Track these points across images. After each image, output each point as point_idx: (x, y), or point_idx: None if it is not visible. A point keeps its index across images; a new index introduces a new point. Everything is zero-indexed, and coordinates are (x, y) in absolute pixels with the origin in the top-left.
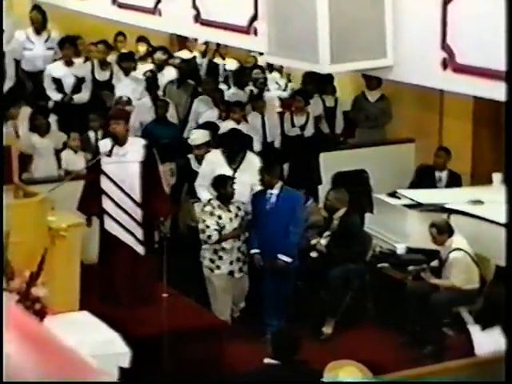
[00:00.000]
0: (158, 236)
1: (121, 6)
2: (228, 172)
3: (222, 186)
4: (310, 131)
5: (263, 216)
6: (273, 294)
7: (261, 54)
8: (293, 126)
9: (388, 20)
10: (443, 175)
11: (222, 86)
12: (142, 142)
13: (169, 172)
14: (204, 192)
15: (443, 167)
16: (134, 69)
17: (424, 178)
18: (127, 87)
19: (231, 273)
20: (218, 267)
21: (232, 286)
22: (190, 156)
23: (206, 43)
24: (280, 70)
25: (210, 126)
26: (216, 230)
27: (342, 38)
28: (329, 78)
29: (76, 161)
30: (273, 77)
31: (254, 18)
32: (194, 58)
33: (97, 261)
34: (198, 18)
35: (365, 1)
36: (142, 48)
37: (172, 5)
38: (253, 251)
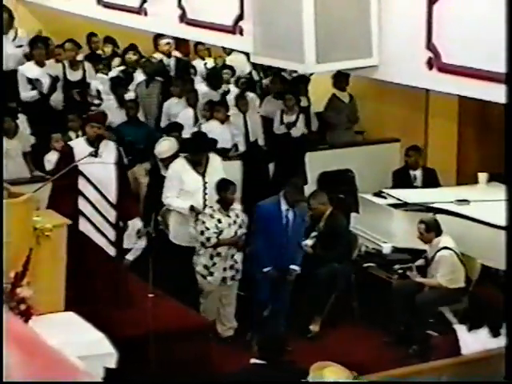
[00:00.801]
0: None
1: (106, 5)
2: (196, 177)
3: (224, 190)
4: (299, 130)
5: (278, 230)
6: (286, 302)
7: (246, 53)
8: (281, 123)
9: (374, 20)
10: (418, 173)
11: (200, 86)
12: (113, 143)
13: (143, 172)
14: (176, 201)
15: (416, 166)
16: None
17: (401, 180)
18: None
19: (224, 279)
20: (211, 274)
21: (222, 292)
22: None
23: (169, 43)
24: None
25: (176, 127)
26: (215, 232)
27: (328, 38)
28: (304, 78)
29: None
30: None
31: (240, 17)
32: (162, 59)
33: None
34: (183, 18)
35: (350, 1)
36: (108, 49)
37: (157, 4)
38: (266, 269)
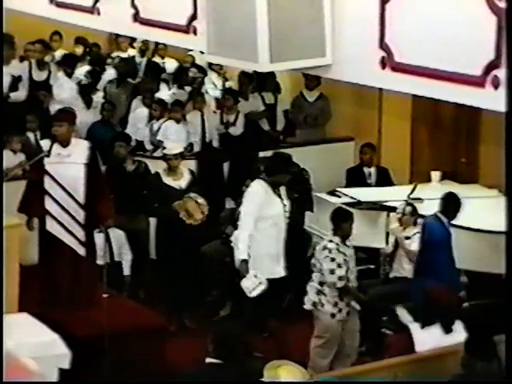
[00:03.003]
0: None
1: (58, 4)
2: (278, 201)
3: (344, 221)
4: (238, 130)
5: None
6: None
7: (202, 52)
8: (221, 123)
9: (327, 19)
10: (372, 171)
11: (162, 86)
12: (86, 143)
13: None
14: (243, 242)
15: (371, 163)
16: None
17: (354, 177)
18: (67, 88)
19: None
20: (340, 310)
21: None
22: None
23: (144, 42)
24: (218, 70)
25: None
26: (346, 270)
27: (281, 37)
28: (269, 74)
29: (16, 162)
30: (209, 77)
31: (194, 17)
32: (134, 57)
33: (36, 262)
34: (136, 17)
35: (304, 0)
36: (79, 49)
37: (110, 4)
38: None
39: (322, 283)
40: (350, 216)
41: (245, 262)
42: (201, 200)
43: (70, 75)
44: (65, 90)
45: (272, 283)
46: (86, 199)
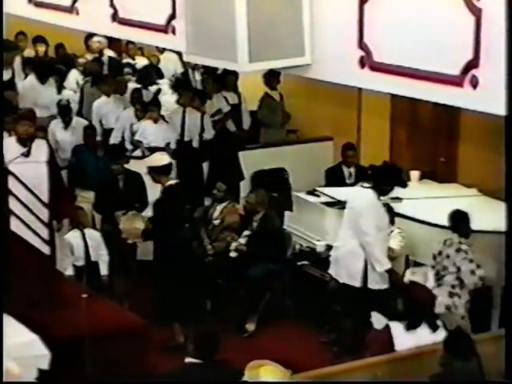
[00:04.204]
0: None
1: (37, 4)
2: (385, 212)
3: (466, 223)
4: (209, 134)
5: None
6: None
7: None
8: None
9: (306, 19)
10: (352, 170)
11: (132, 85)
12: (45, 142)
13: None
14: (378, 249)
15: (351, 163)
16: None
17: (334, 176)
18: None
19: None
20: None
21: None
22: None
23: (100, 41)
24: (198, 69)
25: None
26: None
27: (261, 37)
28: (231, 73)
29: None
30: (192, 76)
31: (172, 16)
32: (99, 57)
33: None
34: (115, 17)
35: (283, 0)
36: (42, 48)
37: (89, 4)
38: None
39: (454, 286)
40: (469, 217)
41: (391, 271)
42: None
43: (43, 82)
44: (44, 97)
45: (252, 283)
46: (50, 198)
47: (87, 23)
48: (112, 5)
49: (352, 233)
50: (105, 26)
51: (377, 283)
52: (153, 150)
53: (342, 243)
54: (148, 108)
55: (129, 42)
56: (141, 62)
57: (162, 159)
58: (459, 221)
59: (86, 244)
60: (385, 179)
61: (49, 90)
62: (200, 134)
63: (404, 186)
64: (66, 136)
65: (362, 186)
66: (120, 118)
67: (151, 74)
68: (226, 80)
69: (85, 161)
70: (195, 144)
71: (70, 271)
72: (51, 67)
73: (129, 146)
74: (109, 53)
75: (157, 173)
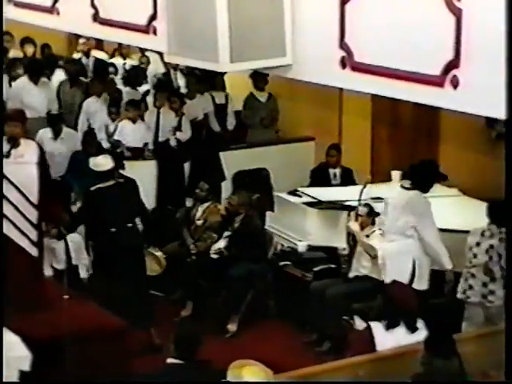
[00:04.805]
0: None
1: (17, 4)
2: None
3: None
4: (184, 135)
5: None
6: None
7: (159, 53)
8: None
9: (287, 19)
10: (337, 171)
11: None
12: (35, 143)
13: None
14: (444, 250)
15: (336, 164)
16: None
17: (319, 177)
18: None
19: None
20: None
21: None
22: None
23: (85, 42)
24: (183, 69)
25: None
26: None
27: (242, 38)
28: (219, 73)
29: None
30: (176, 76)
31: (154, 17)
32: (80, 58)
33: None
34: (96, 17)
35: (264, 0)
36: (30, 49)
37: (70, 4)
38: None
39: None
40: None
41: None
42: (159, 253)
43: (36, 82)
44: (34, 98)
45: (234, 283)
46: (39, 199)
47: (68, 24)
48: (93, 5)
49: (399, 232)
50: (86, 26)
51: (421, 284)
52: (132, 150)
53: (389, 243)
54: (125, 108)
55: (120, 43)
56: (129, 62)
57: (105, 164)
58: (498, 212)
59: (67, 247)
60: (425, 176)
61: (41, 90)
62: (174, 133)
63: (445, 178)
64: (56, 146)
65: (402, 186)
66: (96, 118)
67: (140, 74)
68: (214, 80)
69: (82, 169)
70: (173, 143)
71: (49, 272)
72: (42, 67)
73: (105, 146)
74: (98, 54)
75: (99, 177)
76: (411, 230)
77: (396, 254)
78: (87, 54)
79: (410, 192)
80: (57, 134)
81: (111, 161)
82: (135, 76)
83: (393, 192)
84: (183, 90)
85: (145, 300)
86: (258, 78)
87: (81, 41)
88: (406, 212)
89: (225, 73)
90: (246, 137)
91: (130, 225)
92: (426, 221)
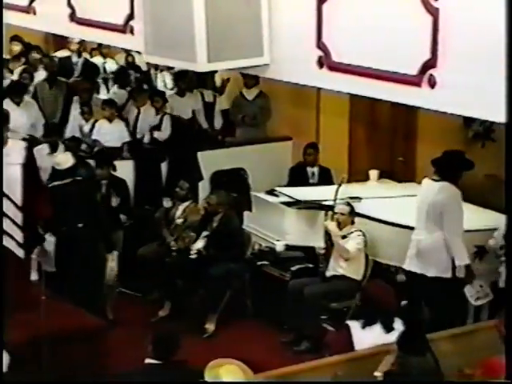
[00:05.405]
0: None
1: None
2: None
3: None
4: (164, 134)
5: None
6: None
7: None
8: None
9: (264, 19)
10: (315, 170)
11: (103, 86)
12: (22, 143)
13: None
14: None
15: (314, 163)
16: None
17: (297, 176)
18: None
19: None
20: None
21: None
22: None
23: (81, 42)
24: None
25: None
26: None
27: (219, 37)
28: (208, 72)
29: None
30: (162, 75)
31: (131, 16)
32: (69, 57)
33: None
34: (73, 17)
35: (241, 0)
36: (17, 47)
37: (47, 3)
38: None
39: None
40: None
41: (468, 267)
42: (113, 264)
43: (18, 103)
44: (16, 120)
45: (211, 283)
46: (24, 200)
47: (44, 23)
48: (70, 5)
49: (433, 225)
50: (62, 25)
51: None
52: (109, 150)
53: (425, 237)
54: (102, 107)
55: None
56: (111, 62)
57: (66, 161)
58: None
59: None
60: (452, 167)
61: (23, 111)
62: (151, 132)
63: (472, 166)
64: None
65: (431, 178)
66: (71, 118)
67: (128, 74)
68: (204, 78)
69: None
70: (146, 140)
71: (35, 276)
72: (23, 89)
73: (83, 146)
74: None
75: (60, 174)
76: (442, 222)
77: (431, 247)
78: (79, 54)
79: (440, 183)
80: (54, 149)
81: (72, 158)
82: (124, 76)
83: (369, 191)
84: (163, 89)
85: (95, 296)
86: (248, 75)
87: (75, 40)
88: (437, 203)
89: (215, 71)
90: (234, 136)
91: (80, 225)
92: (452, 213)
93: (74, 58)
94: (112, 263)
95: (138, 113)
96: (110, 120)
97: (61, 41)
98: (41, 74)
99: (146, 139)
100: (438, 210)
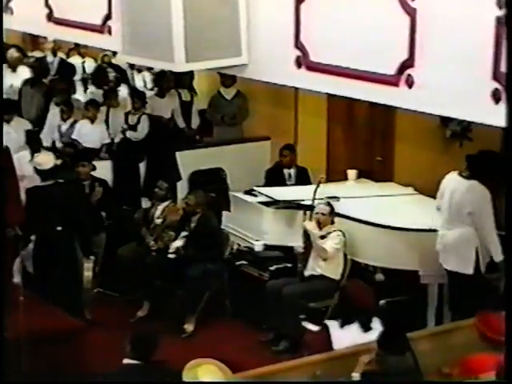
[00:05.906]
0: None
1: None
2: None
3: None
4: (140, 134)
5: None
6: None
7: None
8: (126, 124)
9: (242, 19)
10: (292, 172)
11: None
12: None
13: None
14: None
15: (290, 164)
16: None
17: (274, 178)
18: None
19: None
20: None
21: None
22: None
23: (55, 41)
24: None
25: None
26: None
27: (197, 37)
28: (186, 72)
29: None
30: (142, 75)
31: (108, 16)
32: (45, 56)
33: None
34: (50, 17)
35: (219, 0)
36: None
37: (24, 3)
38: None
39: None
40: None
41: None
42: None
43: (8, 121)
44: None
45: (190, 283)
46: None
47: (22, 23)
48: (47, 4)
49: (459, 220)
50: (40, 25)
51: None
52: (89, 150)
53: (450, 231)
54: (85, 107)
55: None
56: (89, 62)
57: (47, 162)
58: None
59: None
60: (485, 167)
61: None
62: (123, 132)
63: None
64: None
65: (460, 174)
66: (48, 118)
67: (106, 74)
68: (181, 77)
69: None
70: (116, 140)
71: (18, 279)
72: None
73: (59, 145)
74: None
75: (42, 175)
76: (470, 219)
77: (457, 242)
78: (55, 53)
79: (470, 181)
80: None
81: (53, 159)
82: (101, 76)
83: (347, 191)
84: (143, 89)
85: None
86: (225, 75)
87: (50, 39)
88: (465, 200)
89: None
90: (212, 135)
91: (59, 228)
92: (483, 210)
93: (49, 58)
94: (88, 272)
95: (108, 113)
96: (92, 121)
97: (38, 41)
98: (21, 74)
99: (117, 139)
100: (466, 210)
